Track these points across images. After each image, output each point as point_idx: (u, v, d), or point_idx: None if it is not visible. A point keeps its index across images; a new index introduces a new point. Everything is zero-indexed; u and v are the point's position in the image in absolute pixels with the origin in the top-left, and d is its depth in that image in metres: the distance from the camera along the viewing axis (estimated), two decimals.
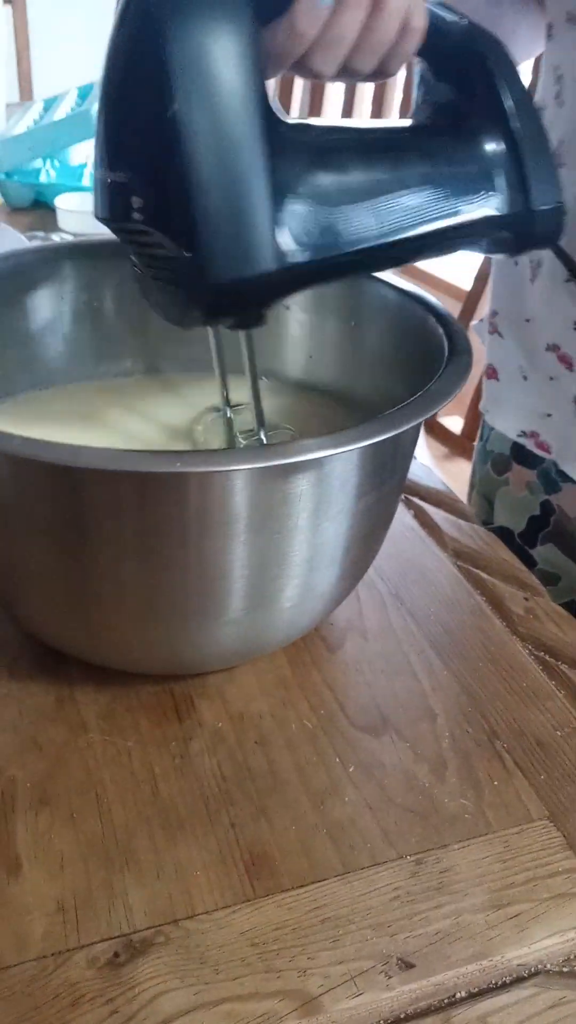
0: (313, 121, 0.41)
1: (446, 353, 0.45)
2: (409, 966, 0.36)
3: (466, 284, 1.53)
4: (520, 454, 0.75)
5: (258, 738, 0.45)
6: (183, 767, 0.43)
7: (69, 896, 0.37)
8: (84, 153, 1.26)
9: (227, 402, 0.53)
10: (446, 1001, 0.36)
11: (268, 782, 0.43)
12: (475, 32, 0.44)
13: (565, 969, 0.37)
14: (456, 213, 0.43)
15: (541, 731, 0.47)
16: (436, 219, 0.42)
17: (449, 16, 0.43)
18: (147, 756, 0.44)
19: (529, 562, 0.75)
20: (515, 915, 0.38)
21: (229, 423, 0.53)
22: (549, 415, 0.70)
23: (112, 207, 0.39)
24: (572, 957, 0.37)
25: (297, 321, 0.58)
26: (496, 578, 0.59)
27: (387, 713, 0.48)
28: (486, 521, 0.80)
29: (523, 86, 0.43)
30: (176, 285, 0.40)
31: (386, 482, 0.44)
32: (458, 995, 0.36)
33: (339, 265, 0.41)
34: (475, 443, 0.84)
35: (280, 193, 0.38)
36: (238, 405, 0.53)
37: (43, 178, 1.19)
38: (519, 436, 0.73)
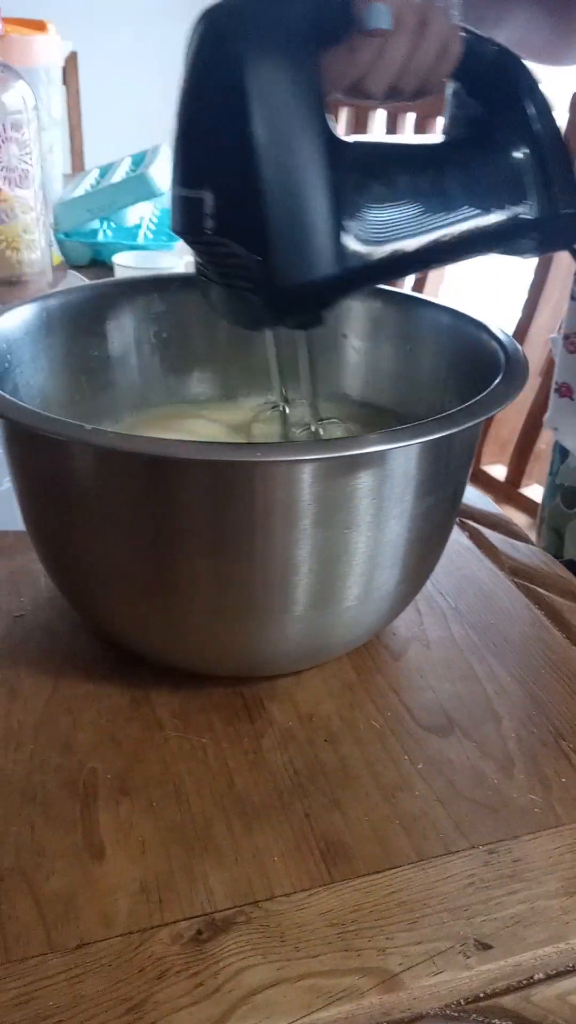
0: (363, 138, 0.45)
1: (502, 367, 0.47)
2: (487, 947, 0.36)
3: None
4: None
5: (328, 736, 0.46)
6: (256, 761, 0.45)
7: (151, 878, 0.39)
8: (139, 214, 1.33)
9: (284, 398, 0.57)
10: (525, 981, 0.36)
11: (340, 776, 0.44)
12: (503, 53, 0.48)
13: None
14: (490, 217, 0.46)
15: None
16: (473, 222, 0.46)
17: (480, 39, 0.47)
18: (221, 751, 0.45)
19: None
20: None
21: (284, 416, 0.57)
22: None
23: (190, 221, 0.43)
24: None
25: (354, 348, 0.61)
26: (554, 593, 0.60)
27: (452, 715, 0.48)
28: (556, 555, 0.80)
29: (545, 99, 0.47)
30: (247, 291, 0.43)
31: (443, 487, 0.46)
32: (536, 976, 0.36)
33: (390, 267, 0.44)
34: (535, 482, 0.86)
35: (340, 204, 0.41)
36: (292, 400, 0.57)
37: (100, 237, 1.26)
38: None
